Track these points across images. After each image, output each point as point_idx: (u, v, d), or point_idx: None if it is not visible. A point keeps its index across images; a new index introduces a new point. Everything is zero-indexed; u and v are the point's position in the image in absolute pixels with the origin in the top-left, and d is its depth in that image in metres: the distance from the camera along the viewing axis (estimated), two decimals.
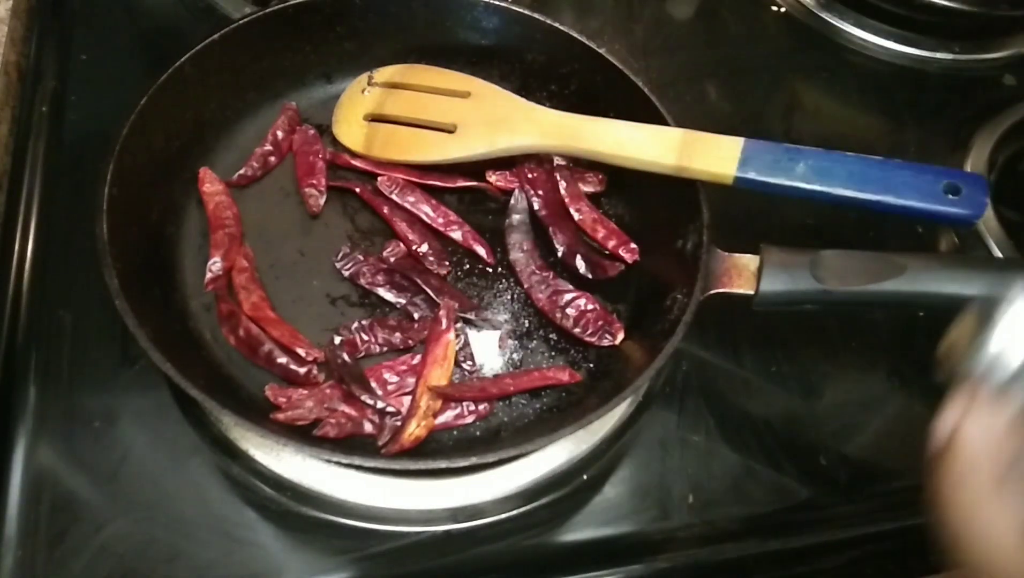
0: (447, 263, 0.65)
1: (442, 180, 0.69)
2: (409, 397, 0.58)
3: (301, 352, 0.58)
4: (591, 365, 0.62)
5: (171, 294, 0.61)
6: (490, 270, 0.66)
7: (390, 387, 0.59)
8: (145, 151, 0.61)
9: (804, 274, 0.55)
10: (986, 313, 0.43)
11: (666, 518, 0.58)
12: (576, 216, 0.68)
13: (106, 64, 0.74)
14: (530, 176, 0.69)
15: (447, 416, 0.58)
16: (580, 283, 0.65)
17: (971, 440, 0.42)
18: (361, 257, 0.64)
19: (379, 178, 0.68)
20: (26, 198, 0.66)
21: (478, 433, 0.59)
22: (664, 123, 0.63)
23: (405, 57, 0.72)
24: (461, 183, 0.69)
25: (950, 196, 0.51)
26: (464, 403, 0.58)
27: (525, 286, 0.65)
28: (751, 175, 0.54)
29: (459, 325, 0.61)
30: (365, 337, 0.60)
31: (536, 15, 0.69)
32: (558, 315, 0.63)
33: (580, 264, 0.65)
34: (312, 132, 0.70)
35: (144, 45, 0.78)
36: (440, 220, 0.67)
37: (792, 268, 0.56)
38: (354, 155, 0.69)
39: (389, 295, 0.63)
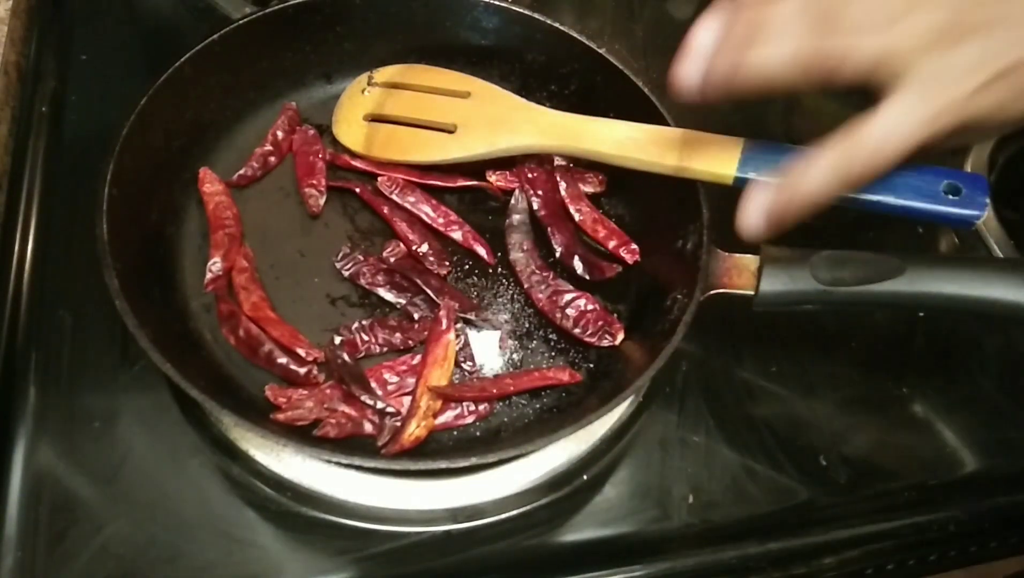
0: (447, 263, 0.65)
1: (442, 180, 0.69)
2: (409, 397, 0.58)
3: (301, 352, 0.58)
4: (591, 365, 0.62)
5: (171, 294, 0.61)
6: (490, 270, 0.66)
7: (390, 387, 0.59)
8: (145, 151, 0.61)
9: (804, 274, 0.55)
10: None
11: (666, 518, 0.58)
12: (576, 216, 0.68)
13: (106, 64, 0.74)
14: (530, 176, 0.69)
15: (447, 416, 0.58)
16: (580, 283, 0.65)
17: None
18: (361, 257, 0.64)
19: (379, 178, 0.68)
20: (26, 198, 0.66)
21: (478, 433, 0.59)
22: (664, 123, 0.63)
23: (405, 57, 0.72)
24: (461, 183, 0.69)
25: (950, 196, 0.51)
26: (464, 403, 0.58)
27: (525, 286, 0.65)
28: (751, 175, 0.54)
29: (459, 325, 0.62)
30: (365, 337, 0.60)
31: (536, 15, 0.69)
32: (558, 315, 0.63)
33: (578, 265, 0.66)
34: (312, 132, 0.70)
35: (144, 45, 0.78)
36: (440, 220, 0.67)
37: (792, 268, 0.56)
38: (354, 155, 0.69)
39: (389, 295, 0.63)
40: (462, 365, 0.61)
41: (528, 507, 0.58)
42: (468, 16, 0.70)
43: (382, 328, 0.61)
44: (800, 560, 0.59)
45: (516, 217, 0.68)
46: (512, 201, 0.68)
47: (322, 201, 0.67)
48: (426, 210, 0.67)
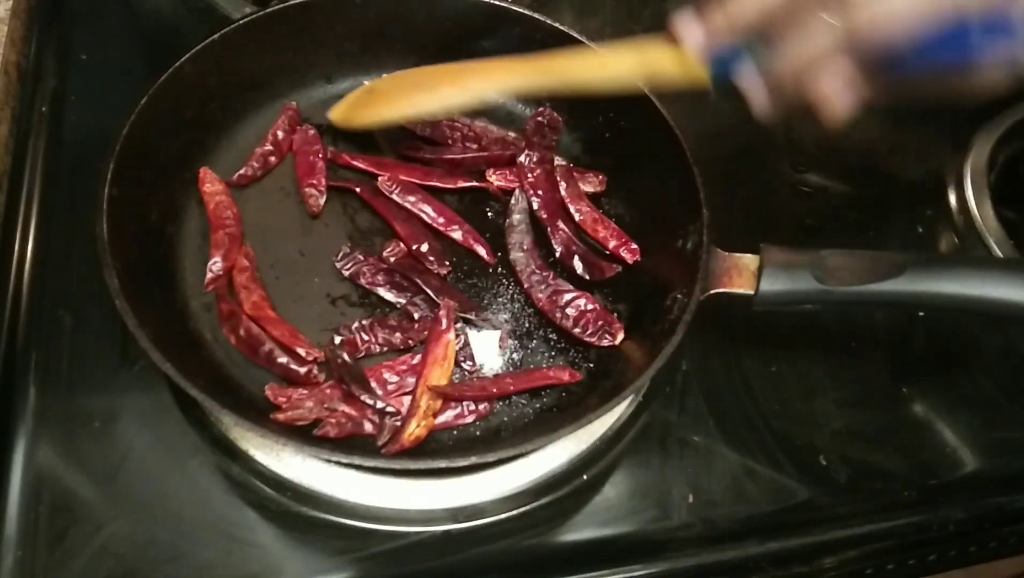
0: (447, 263, 0.65)
1: (442, 180, 0.69)
2: (409, 397, 0.58)
3: (301, 352, 0.58)
4: (591, 365, 0.62)
5: (171, 294, 0.61)
6: (490, 270, 0.66)
7: (390, 387, 0.59)
8: (145, 151, 0.61)
9: (804, 274, 0.55)
10: None
11: (666, 518, 0.58)
12: (576, 216, 0.68)
13: (106, 64, 0.74)
14: (530, 176, 0.69)
15: (447, 416, 0.58)
16: (580, 283, 0.65)
17: None
18: (361, 257, 0.64)
19: (379, 178, 0.68)
20: (26, 198, 0.66)
21: (478, 433, 0.59)
22: (666, 123, 0.63)
23: (405, 57, 0.72)
24: (461, 183, 0.69)
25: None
26: (464, 403, 0.58)
27: (525, 286, 0.65)
28: (724, 68, 0.53)
29: (459, 325, 0.62)
30: (365, 337, 0.60)
31: (536, 15, 0.69)
32: (558, 315, 0.63)
33: (577, 265, 0.66)
34: (312, 132, 0.70)
35: (144, 45, 0.78)
36: (440, 220, 0.67)
37: (792, 268, 0.56)
38: (354, 155, 0.69)
39: (389, 295, 0.63)
40: (462, 365, 0.61)
41: (528, 507, 0.58)
42: (468, 16, 0.70)
43: (382, 328, 0.61)
44: (800, 560, 0.59)
45: (516, 217, 0.68)
46: (512, 201, 0.68)
47: (322, 201, 0.67)
48: (426, 210, 0.67)
